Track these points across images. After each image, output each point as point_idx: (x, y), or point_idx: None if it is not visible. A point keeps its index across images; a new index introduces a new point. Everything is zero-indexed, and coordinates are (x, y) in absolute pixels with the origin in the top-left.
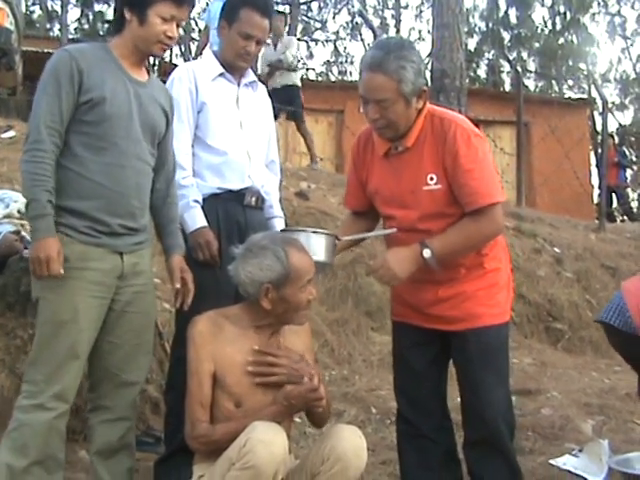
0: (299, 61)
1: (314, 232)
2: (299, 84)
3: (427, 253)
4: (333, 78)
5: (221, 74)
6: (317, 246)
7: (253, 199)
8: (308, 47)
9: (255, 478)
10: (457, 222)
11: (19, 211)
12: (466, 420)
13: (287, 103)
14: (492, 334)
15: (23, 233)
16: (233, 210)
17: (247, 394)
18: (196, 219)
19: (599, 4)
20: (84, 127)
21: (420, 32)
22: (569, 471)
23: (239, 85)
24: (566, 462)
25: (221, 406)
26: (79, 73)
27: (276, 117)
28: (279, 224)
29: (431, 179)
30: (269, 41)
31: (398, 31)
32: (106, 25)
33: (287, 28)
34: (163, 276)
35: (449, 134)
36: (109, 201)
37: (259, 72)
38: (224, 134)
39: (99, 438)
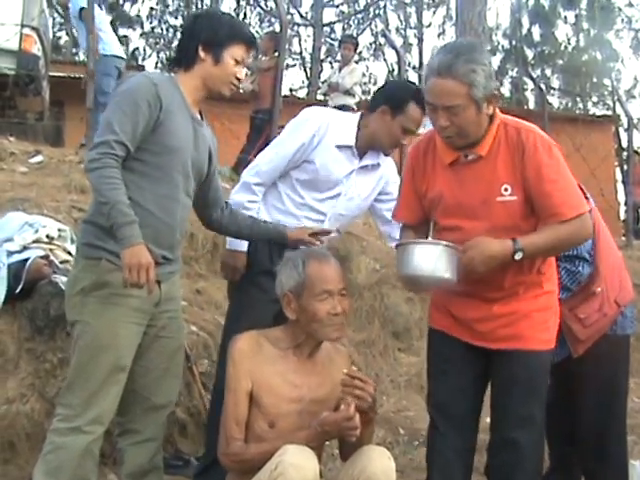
0: (361, 86)
1: (447, 245)
2: (352, 105)
3: (519, 256)
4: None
5: (349, 147)
6: (443, 260)
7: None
8: (332, 67)
9: None
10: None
11: (48, 236)
12: (494, 444)
13: None
14: (539, 359)
15: (52, 257)
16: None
17: (282, 415)
18: (239, 241)
19: (623, 20)
20: (146, 155)
21: None
22: None
23: (360, 160)
24: None
25: (255, 425)
26: (159, 101)
27: None
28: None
29: (505, 190)
30: (335, 65)
31: (421, 50)
32: (168, 62)
33: (356, 56)
34: (189, 298)
35: (528, 144)
36: (157, 232)
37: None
38: (316, 195)
39: (131, 460)
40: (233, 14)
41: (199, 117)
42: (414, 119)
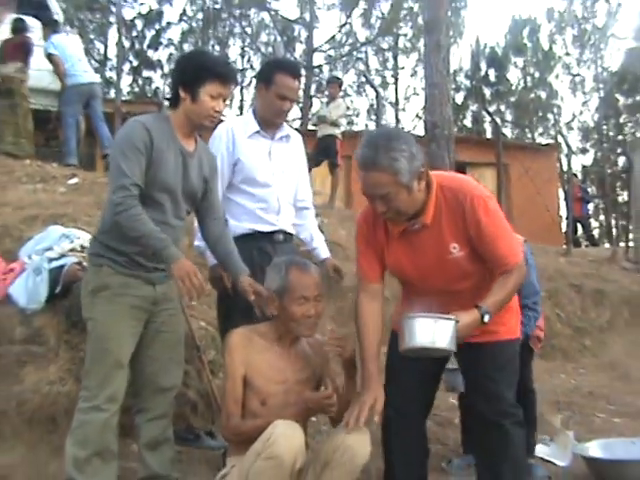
0: (346, 118)
1: (442, 318)
2: (338, 135)
3: (487, 318)
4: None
5: (257, 131)
6: (443, 332)
7: (281, 236)
8: (321, 102)
9: (278, 466)
10: (497, 279)
11: (81, 246)
12: (480, 426)
13: (325, 150)
14: (505, 347)
15: (84, 264)
16: (264, 245)
17: (271, 394)
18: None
19: (562, 66)
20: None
21: (415, 88)
22: (541, 457)
23: (273, 139)
24: (539, 450)
25: (250, 404)
26: (151, 142)
27: (319, 163)
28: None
29: (454, 248)
30: (325, 99)
31: (397, 88)
32: (166, 102)
33: (341, 92)
34: (200, 298)
35: (466, 206)
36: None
37: (311, 122)
38: (258, 184)
39: (145, 434)
40: (238, 57)
41: (191, 148)
42: (284, 85)
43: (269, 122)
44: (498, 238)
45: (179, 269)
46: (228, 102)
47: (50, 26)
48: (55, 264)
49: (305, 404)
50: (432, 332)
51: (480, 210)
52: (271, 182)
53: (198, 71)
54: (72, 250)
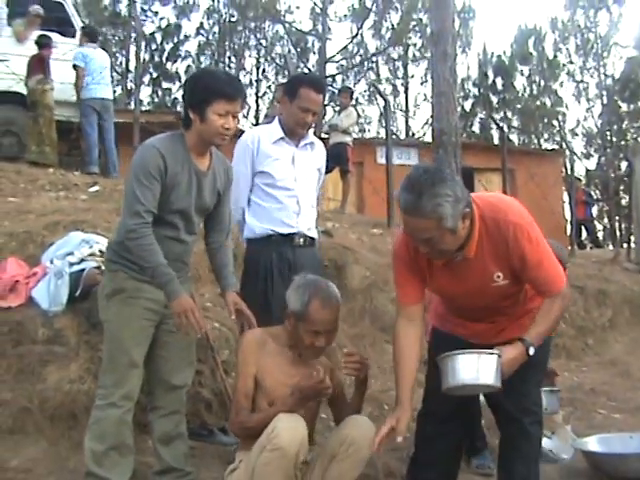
0: (357, 125)
1: (484, 353)
2: (349, 142)
3: (532, 351)
4: (355, 136)
5: (281, 138)
6: (487, 368)
7: (301, 240)
8: (334, 111)
9: (281, 457)
10: (542, 306)
11: (100, 251)
12: (502, 420)
13: (337, 157)
14: (540, 346)
15: (103, 268)
16: (285, 250)
17: (280, 396)
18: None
19: (567, 74)
20: (156, 210)
21: (425, 95)
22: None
23: (297, 146)
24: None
25: (258, 403)
26: (165, 169)
27: (330, 169)
28: None
29: (498, 277)
30: (337, 108)
31: (407, 96)
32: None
33: (352, 101)
34: (214, 300)
35: (509, 236)
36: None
37: (324, 130)
38: (280, 187)
39: (159, 429)
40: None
41: (205, 166)
42: (307, 99)
43: (292, 131)
44: (542, 265)
45: (177, 306)
46: (243, 116)
47: (88, 35)
48: (75, 268)
49: (300, 393)
50: (476, 368)
51: (524, 240)
52: (292, 186)
53: (203, 92)
54: (91, 255)
